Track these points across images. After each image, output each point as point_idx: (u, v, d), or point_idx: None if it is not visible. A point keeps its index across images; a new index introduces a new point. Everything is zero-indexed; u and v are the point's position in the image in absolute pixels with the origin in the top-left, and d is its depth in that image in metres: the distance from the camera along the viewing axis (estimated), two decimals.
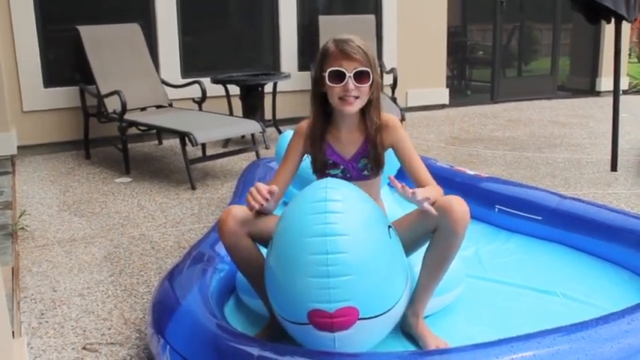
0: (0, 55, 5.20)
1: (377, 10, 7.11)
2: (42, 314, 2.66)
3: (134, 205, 4.17)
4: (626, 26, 6.15)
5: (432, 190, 2.07)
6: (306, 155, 2.32)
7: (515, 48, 8.78)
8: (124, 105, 4.86)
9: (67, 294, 2.86)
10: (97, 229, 3.72)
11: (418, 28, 7.33)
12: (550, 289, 2.58)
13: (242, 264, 2.18)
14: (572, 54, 9.29)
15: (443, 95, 7.75)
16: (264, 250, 2.10)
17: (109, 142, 5.49)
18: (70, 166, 5.25)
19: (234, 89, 5.87)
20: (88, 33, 5.36)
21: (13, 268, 3.00)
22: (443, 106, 7.76)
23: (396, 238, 2.00)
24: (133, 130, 5.11)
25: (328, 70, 2.13)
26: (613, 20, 4.58)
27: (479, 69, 8.88)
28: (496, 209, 3.35)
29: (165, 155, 5.60)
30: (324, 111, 2.25)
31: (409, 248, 2.13)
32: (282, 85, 6.20)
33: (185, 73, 6.13)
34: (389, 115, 2.28)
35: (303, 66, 6.64)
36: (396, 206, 2.60)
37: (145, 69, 5.62)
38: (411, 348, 2.15)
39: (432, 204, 1.98)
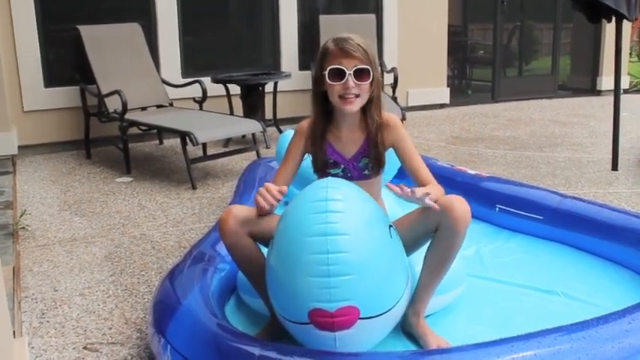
0: (1, 54, 5.20)
1: (378, 10, 7.11)
2: (43, 314, 2.67)
3: (135, 205, 4.17)
4: (626, 25, 6.13)
5: (431, 188, 2.07)
6: (307, 155, 2.32)
7: (516, 47, 8.78)
8: (124, 105, 4.86)
9: (68, 294, 2.86)
10: (97, 229, 3.72)
11: (419, 27, 7.32)
12: (551, 289, 2.58)
13: (243, 263, 2.18)
14: (572, 53, 9.29)
15: (443, 95, 7.75)
16: (264, 250, 2.10)
17: (109, 141, 5.49)
18: (71, 166, 5.26)
19: (235, 89, 5.87)
20: (89, 32, 5.36)
21: (13, 268, 3.00)
22: (443, 106, 7.75)
23: (396, 238, 2.00)
24: (133, 130, 5.11)
25: (328, 69, 2.12)
26: (614, 19, 4.58)
27: (479, 68, 8.88)
28: (497, 209, 3.34)
29: (166, 155, 5.60)
30: (324, 110, 2.25)
31: (410, 248, 2.12)
32: (282, 85, 6.20)
33: (186, 72, 6.13)
34: (390, 114, 2.28)
35: (303, 65, 6.64)
36: (396, 206, 2.60)
37: (146, 68, 5.62)
38: (412, 347, 2.15)
39: (434, 202, 1.98)
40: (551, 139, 5.98)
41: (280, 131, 5.95)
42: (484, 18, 8.37)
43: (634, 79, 9.57)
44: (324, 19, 6.56)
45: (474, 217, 3.37)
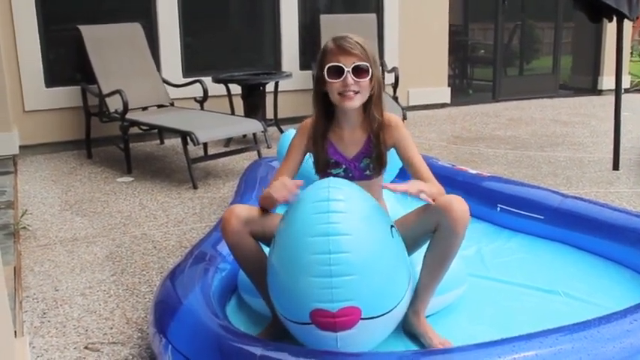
0: (2, 54, 5.20)
1: (378, 9, 7.10)
2: (44, 314, 2.67)
3: (136, 205, 4.17)
4: (627, 24, 6.14)
5: (427, 184, 2.06)
6: (308, 155, 2.32)
7: (517, 47, 8.78)
8: (125, 104, 4.86)
9: (69, 293, 2.87)
10: (98, 229, 3.72)
11: (420, 27, 7.32)
12: (552, 288, 2.58)
13: (245, 263, 2.18)
14: (573, 52, 9.29)
15: (444, 94, 7.74)
16: (266, 249, 2.10)
17: (110, 141, 5.49)
18: (72, 166, 5.26)
19: (236, 88, 5.87)
20: (90, 33, 5.36)
21: (15, 268, 3.00)
22: (444, 105, 7.75)
23: (398, 238, 2.00)
24: (134, 130, 5.12)
25: (327, 66, 2.13)
26: (615, 19, 4.58)
27: (480, 68, 8.88)
28: (498, 208, 3.34)
29: (167, 155, 5.60)
30: (326, 110, 2.25)
31: (410, 247, 2.12)
32: (283, 85, 6.20)
33: (186, 72, 6.13)
34: (391, 114, 2.28)
35: (304, 65, 6.64)
36: (398, 205, 2.60)
37: (147, 68, 5.62)
38: (413, 347, 2.15)
39: (433, 200, 1.99)
40: (552, 139, 5.98)
41: (281, 131, 5.95)
42: (485, 17, 8.37)
43: (635, 78, 9.56)
44: (325, 19, 6.56)
45: (475, 216, 3.39)
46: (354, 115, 2.23)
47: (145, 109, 5.48)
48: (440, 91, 7.69)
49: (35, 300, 2.80)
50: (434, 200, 2.04)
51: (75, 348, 2.38)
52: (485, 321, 2.34)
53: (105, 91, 5.13)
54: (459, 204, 2.02)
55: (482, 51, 8.80)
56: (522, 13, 8.59)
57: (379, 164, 2.25)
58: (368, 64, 2.13)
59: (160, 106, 5.55)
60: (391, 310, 1.90)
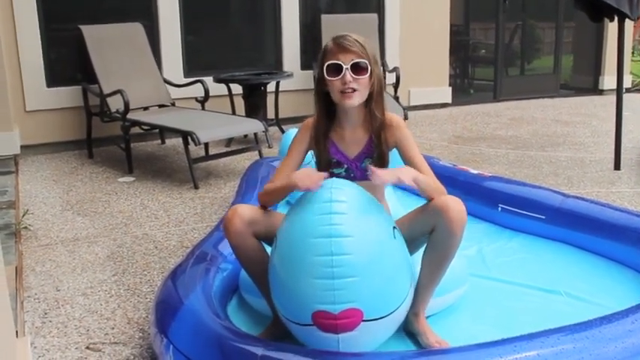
0: (3, 54, 5.20)
1: (379, 9, 7.10)
2: (45, 314, 2.67)
3: (137, 205, 4.17)
4: (629, 24, 6.13)
5: (415, 171, 2.06)
6: (311, 156, 2.31)
7: (518, 46, 8.77)
8: (126, 104, 4.86)
9: (71, 293, 2.87)
10: (100, 229, 3.72)
11: (421, 26, 7.32)
12: (554, 288, 2.58)
13: (247, 263, 2.18)
14: (574, 52, 9.28)
15: (445, 94, 7.74)
16: (269, 249, 2.10)
17: (111, 141, 5.49)
18: (73, 166, 5.26)
19: (237, 88, 5.87)
20: (91, 32, 5.36)
21: (16, 268, 3.00)
22: (445, 105, 7.74)
23: (401, 239, 2.00)
24: (135, 130, 5.12)
25: (326, 64, 2.13)
26: (616, 18, 4.57)
27: (481, 67, 8.87)
28: (499, 208, 3.34)
29: (168, 154, 5.60)
30: (327, 110, 2.25)
31: (409, 248, 2.11)
32: (284, 84, 6.20)
33: (188, 72, 6.13)
34: (393, 114, 2.27)
35: (305, 65, 6.63)
36: (399, 206, 2.60)
37: (148, 68, 5.62)
38: (414, 347, 2.15)
39: (431, 198, 2.01)
40: (553, 139, 5.98)
41: (282, 131, 5.95)
42: (486, 17, 8.36)
43: (636, 78, 9.55)
44: (326, 19, 6.55)
45: (476, 216, 3.41)
46: (355, 114, 2.23)
47: (146, 109, 5.48)
48: (441, 91, 7.69)
49: (37, 300, 2.80)
50: (431, 198, 2.03)
51: (76, 348, 2.38)
52: (486, 321, 2.33)
53: (106, 90, 5.14)
54: (455, 205, 2.01)
55: (484, 51, 8.79)
56: (523, 12, 8.59)
57: (381, 164, 2.25)
58: (367, 62, 2.12)
59: (161, 106, 5.55)
60: (393, 312, 1.90)
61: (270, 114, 6.07)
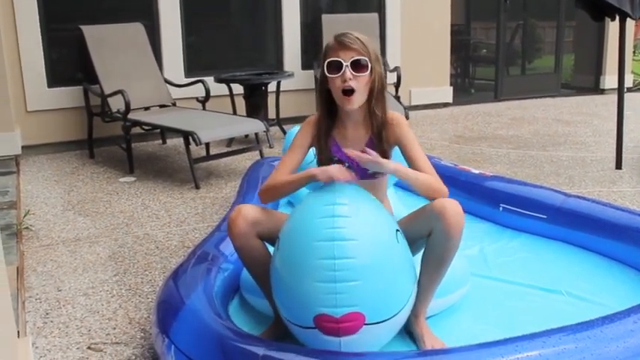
0: (4, 54, 5.20)
1: (380, 9, 7.10)
2: (47, 314, 2.67)
3: (138, 205, 4.17)
4: (630, 23, 6.12)
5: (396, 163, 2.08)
6: (313, 154, 2.31)
7: (519, 46, 8.77)
8: (127, 104, 4.87)
9: (72, 293, 2.87)
10: (101, 229, 3.73)
11: (421, 26, 7.31)
12: (555, 288, 2.57)
13: (251, 264, 2.17)
14: (576, 52, 9.27)
15: (446, 94, 7.74)
16: (272, 249, 2.09)
17: (112, 141, 5.49)
18: (74, 166, 5.26)
19: (238, 88, 5.87)
20: (92, 33, 5.37)
21: (17, 268, 3.00)
22: (447, 105, 7.74)
23: (404, 242, 1.98)
24: (136, 130, 5.12)
25: (326, 62, 2.13)
26: (617, 17, 4.57)
27: (482, 67, 8.87)
28: (500, 208, 3.34)
29: (169, 154, 5.60)
30: (329, 109, 2.25)
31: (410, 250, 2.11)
32: (285, 84, 6.20)
33: (188, 72, 6.13)
34: (394, 112, 2.27)
35: (306, 65, 6.64)
36: (401, 205, 2.60)
37: (149, 68, 5.62)
38: (414, 347, 2.14)
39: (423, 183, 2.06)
40: (554, 138, 5.97)
41: (283, 131, 5.96)
42: (487, 16, 8.35)
43: (637, 77, 9.55)
44: (327, 19, 6.55)
45: (477, 216, 3.41)
46: (356, 113, 2.22)
47: (147, 109, 5.48)
48: (442, 91, 7.69)
49: (38, 300, 2.80)
50: (428, 196, 2.04)
51: (78, 348, 2.38)
52: (488, 321, 2.33)
53: (107, 91, 5.14)
54: (452, 207, 1.99)
55: (485, 50, 8.79)
56: (524, 12, 8.58)
57: None
58: (367, 59, 2.12)
59: (162, 106, 5.55)
60: (395, 315, 1.90)
61: (271, 114, 6.07)
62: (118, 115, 5.03)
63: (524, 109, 7.68)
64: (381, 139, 2.21)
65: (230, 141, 5.75)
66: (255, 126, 4.93)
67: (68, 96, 5.65)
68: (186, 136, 4.54)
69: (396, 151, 2.26)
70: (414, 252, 2.13)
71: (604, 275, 2.72)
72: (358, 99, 2.15)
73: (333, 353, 1.83)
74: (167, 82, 5.68)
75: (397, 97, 6.21)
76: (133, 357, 2.31)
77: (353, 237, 1.77)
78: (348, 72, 2.10)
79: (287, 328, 2.02)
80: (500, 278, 2.69)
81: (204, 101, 5.47)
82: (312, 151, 2.30)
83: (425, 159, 2.19)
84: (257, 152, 5.00)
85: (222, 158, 5.07)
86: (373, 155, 2.03)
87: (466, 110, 7.58)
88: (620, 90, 4.68)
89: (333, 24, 6.47)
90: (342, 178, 1.97)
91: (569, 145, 5.68)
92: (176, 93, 5.65)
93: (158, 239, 3.53)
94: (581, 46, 9.13)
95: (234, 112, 5.82)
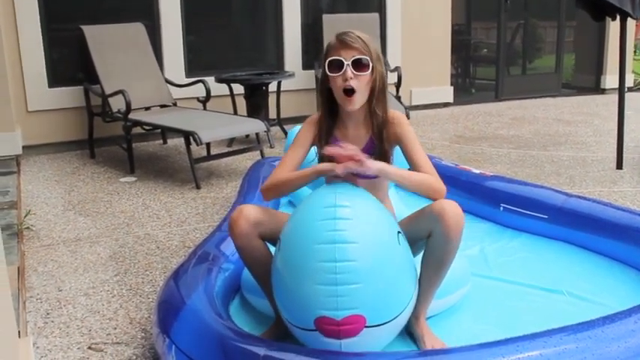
0: (5, 55, 5.20)
1: (381, 9, 7.10)
2: (47, 314, 2.67)
3: (139, 205, 4.17)
4: (631, 23, 6.11)
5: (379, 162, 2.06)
6: (314, 153, 2.31)
7: (520, 46, 8.77)
8: (128, 104, 4.87)
9: (73, 293, 2.87)
10: (102, 229, 3.73)
11: (422, 26, 7.32)
12: (556, 288, 2.57)
13: (252, 265, 2.17)
14: (576, 51, 9.27)
15: (447, 93, 7.74)
16: (273, 249, 2.09)
17: (113, 141, 5.49)
18: (75, 166, 5.26)
19: (239, 88, 5.87)
20: (92, 33, 5.37)
21: (18, 268, 3.00)
22: (447, 105, 7.74)
23: (405, 244, 1.98)
24: (137, 130, 5.12)
25: (327, 61, 2.13)
26: (618, 17, 4.57)
27: (483, 67, 8.87)
28: (501, 208, 3.34)
29: (170, 154, 5.60)
30: (330, 109, 2.24)
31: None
32: (286, 84, 6.20)
33: (189, 72, 6.13)
34: (396, 111, 2.26)
35: (307, 65, 6.64)
36: (402, 206, 2.60)
37: (149, 68, 5.62)
38: (414, 347, 2.14)
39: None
40: (555, 138, 5.97)
41: (284, 131, 5.96)
42: (488, 16, 8.35)
43: (638, 77, 9.54)
44: (328, 19, 6.56)
45: (478, 216, 3.41)
46: (357, 112, 2.22)
47: (147, 109, 5.48)
48: (442, 91, 7.69)
49: (39, 300, 2.80)
50: (426, 195, 2.03)
51: (78, 348, 2.39)
52: (488, 321, 2.33)
53: (108, 91, 5.14)
54: (451, 208, 1.98)
55: (485, 50, 8.79)
56: (525, 11, 8.58)
57: (383, 162, 2.23)
58: (368, 58, 2.11)
59: (162, 106, 5.56)
60: (396, 317, 1.89)
61: (272, 114, 6.07)
62: (119, 115, 5.03)
63: (524, 108, 7.68)
64: (382, 138, 2.20)
65: (231, 141, 5.75)
66: (255, 126, 4.93)
67: (69, 96, 5.65)
68: (187, 136, 4.54)
69: (397, 152, 2.26)
70: (414, 253, 2.13)
71: (605, 275, 2.72)
72: (359, 99, 2.15)
73: (334, 353, 1.83)
74: (168, 82, 5.68)
75: (398, 97, 6.21)
76: (134, 357, 2.31)
77: (354, 239, 1.77)
78: (350, 71, 2.10)
79: (288, 329, 2.02)
80: (500, 278, 2.69)
81: (204, 101, 5.47)
82: (314, 149, 2.30)
83: (425, 158, 2.18)
84: (258, 152, 5.00)
85: (222, 158, 5.07)
86: (353, 153, 1.96)
87: (467, 110, 7.58)
88: (621, 90, 4.68)
89: (333, 24, 6.47)
90: (353, 166, 1.95)
91: (569, 144, 5.68)
92: (177, 93, 5.66)
93: (159, 239, 3.53)
94: (582, 45, 9.13)
95: (235, 112, 5.82)
